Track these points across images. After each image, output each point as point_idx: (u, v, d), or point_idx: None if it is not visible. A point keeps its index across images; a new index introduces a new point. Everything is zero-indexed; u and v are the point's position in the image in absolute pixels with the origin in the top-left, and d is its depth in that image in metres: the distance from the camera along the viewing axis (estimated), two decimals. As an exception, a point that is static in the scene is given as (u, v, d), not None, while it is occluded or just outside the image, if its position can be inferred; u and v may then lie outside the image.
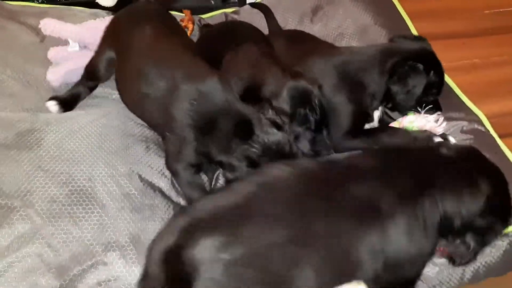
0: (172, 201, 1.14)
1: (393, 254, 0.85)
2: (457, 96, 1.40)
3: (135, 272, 0.98)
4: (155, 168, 1.16)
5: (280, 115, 1.06)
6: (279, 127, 1.02)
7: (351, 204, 0.85)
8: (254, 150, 0.99)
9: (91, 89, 1.32)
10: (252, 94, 1.11)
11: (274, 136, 1.00)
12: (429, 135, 1.20)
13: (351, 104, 1.20)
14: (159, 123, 1.14)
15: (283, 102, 1.07)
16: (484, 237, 0.91)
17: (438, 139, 1.18)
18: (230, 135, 1.02)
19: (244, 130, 1.02)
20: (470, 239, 0.89)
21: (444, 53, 1.26)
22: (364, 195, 0.86)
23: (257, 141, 1.00)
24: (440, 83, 1.24)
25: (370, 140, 1.20)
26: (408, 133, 1.22)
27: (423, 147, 1.06)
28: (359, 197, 0.86)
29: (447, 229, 0.89)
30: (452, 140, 1.21)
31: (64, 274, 0.98)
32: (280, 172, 0.89)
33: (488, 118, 1.33)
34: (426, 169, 0.91)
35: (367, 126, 1.27)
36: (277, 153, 1.00)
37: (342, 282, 0.84)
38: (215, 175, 1.22)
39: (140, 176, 1.13)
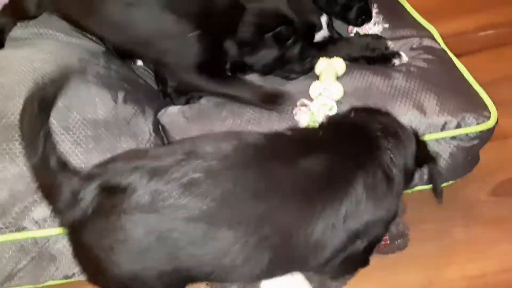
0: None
1: (358, 223, 0.81)
2: (408, 13, 1.36)
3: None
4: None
5: None
6: None
7: (300, 180, 0.79)
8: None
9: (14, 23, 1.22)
10: None
11: None
12: (383, 41, 1.18)
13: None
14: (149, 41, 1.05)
15: None
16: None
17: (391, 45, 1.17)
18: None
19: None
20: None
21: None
22: (313, 169, 0.79)
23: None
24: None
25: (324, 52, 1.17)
26: (363, 40, 1.19)
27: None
28: (308, 171, 0.79)
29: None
30: (404, 57, 1.19)
31: (6, 213, 0.95)
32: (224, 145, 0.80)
33: (443, 38, 1.31)
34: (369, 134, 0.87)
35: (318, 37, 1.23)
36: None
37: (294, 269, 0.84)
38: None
39: (77, 110, 1.07)
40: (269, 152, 0.81)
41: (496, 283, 1.05)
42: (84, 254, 0.78)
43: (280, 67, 1.14)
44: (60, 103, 1.05)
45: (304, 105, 1.06)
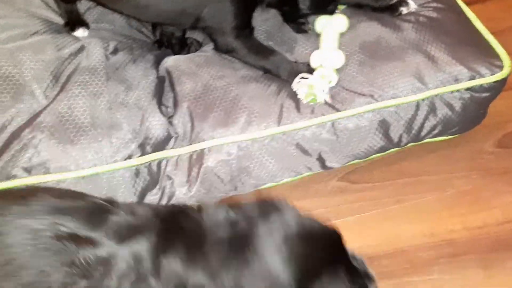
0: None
1: None
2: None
3: (65, 153, 0.94)
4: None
5: None
6: None
7: None
8: None
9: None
10: None
11: None
12: None
13: None
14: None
15: None
16: None
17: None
18: None
19: None
20: None
21: None
22: None
23: None
24: None
25: None
26: None
27: None
28: None
29: None
30: (412, 4, 1.13)
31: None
32: None
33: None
34: None
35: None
36: None
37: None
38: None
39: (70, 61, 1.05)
40: None
41: (498, 234, 1.04)
42: None
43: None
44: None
45: (305, 78, 1.02)
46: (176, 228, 0.68)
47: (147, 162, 0.98)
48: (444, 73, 1.04)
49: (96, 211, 0.71)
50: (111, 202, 0.74)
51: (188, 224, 0.69)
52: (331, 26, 1.09)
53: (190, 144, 1.00)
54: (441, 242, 1.03)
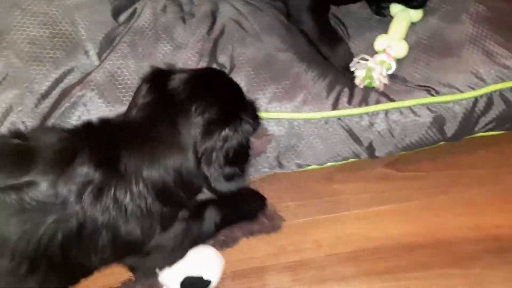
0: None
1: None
2: None
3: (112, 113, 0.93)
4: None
5: None
6: None
7: None
8: None
9: None
10: None
11: None
12: None
13: None
14: None
15: None
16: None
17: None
18: None
19: None
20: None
21: None
22: None
23: None
24: None
25: None
26: None
27: None
28: None
29: None
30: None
31: (47, 118, 0.92)
32: None
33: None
34: None
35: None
36: None
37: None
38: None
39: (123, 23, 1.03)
40: None
41: (544, 233, 1.03)
42: None
43: None
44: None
45: (365, 59, 1.01)
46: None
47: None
48: (503, 68, 1.02)
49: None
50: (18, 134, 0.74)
51: None
52: (406, 13, 1.07)
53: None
54: (486, 237, 1.02)
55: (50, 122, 0.92)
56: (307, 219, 1.03)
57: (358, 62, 1.00)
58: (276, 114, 0.97)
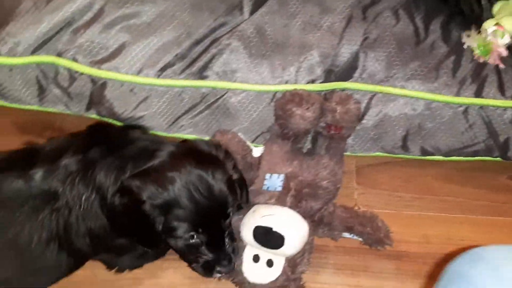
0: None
1: None
2: None
3: (254, 66, 0.96)
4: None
5: None
6: None
7: None
8: None
9: None
10: None
11: None
12: None
13: None
14: None
15: None
16: None
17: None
18: None
19: None
20: None
21: None
22: None
23: None
24: None
25: None
26: None
27: None
28: None
29: None
30: None
31: (195, 61, 0.97)
32: None
33: None
34: None
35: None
36: None
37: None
38: None
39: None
40: None
41: None
42: None
43: None
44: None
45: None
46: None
47: (327, 90, 0.97)
48: None
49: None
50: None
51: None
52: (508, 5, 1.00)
53: (378, 84, 0.96)
54: None
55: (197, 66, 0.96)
56: (419, 213, 1.00)
57: (469, 36, 0.97)
58: (415, 92, 0.95)
